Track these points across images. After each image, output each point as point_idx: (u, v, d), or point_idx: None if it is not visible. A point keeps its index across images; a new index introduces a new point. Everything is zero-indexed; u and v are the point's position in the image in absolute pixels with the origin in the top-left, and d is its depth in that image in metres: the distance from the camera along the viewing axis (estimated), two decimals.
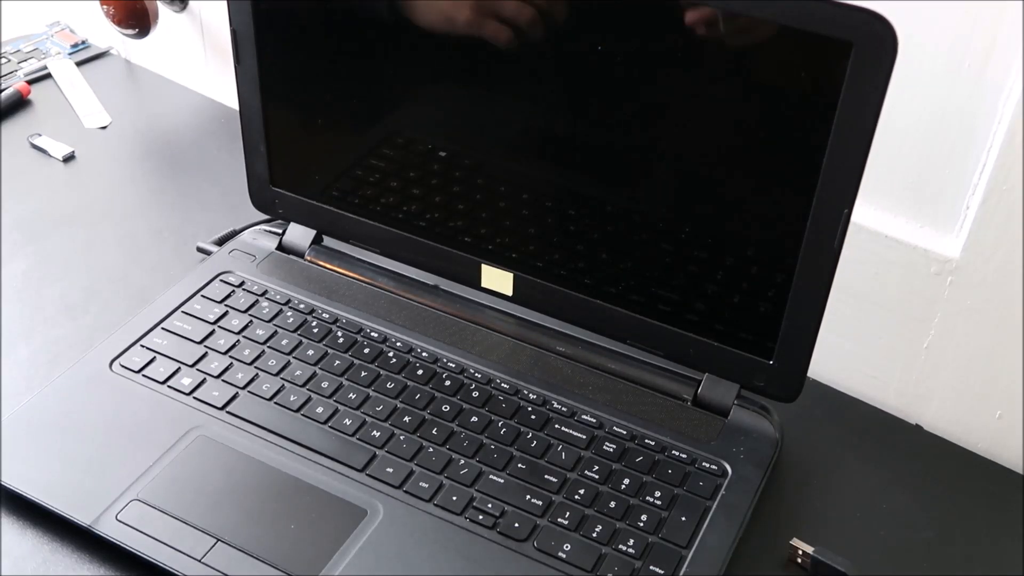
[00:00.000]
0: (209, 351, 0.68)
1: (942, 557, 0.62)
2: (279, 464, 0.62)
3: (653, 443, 0.64)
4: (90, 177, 0.89)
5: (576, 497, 0.61)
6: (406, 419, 0.64)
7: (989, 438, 0.70)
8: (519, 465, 0.62)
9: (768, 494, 0.63)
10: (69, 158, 0.90)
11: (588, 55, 0.61)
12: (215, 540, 0.57)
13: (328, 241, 0.78)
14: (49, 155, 0.91)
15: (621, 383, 0.68)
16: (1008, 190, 0.62)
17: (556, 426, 0.65)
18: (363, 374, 0.67)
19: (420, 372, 0.68)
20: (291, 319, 0.71)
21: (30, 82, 0.98)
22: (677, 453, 0.63)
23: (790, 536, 0.61)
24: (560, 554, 0.58)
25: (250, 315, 0.71)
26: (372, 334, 0.70)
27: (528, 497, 0.60)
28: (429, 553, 0.57)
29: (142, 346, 0.69)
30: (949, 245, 0.67)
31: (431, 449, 0.63)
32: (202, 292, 0.73)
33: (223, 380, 0.66)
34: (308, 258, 0.77)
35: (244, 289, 0.73)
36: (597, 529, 0.59)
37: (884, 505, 0.65)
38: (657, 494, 0.61)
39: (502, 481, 0.61)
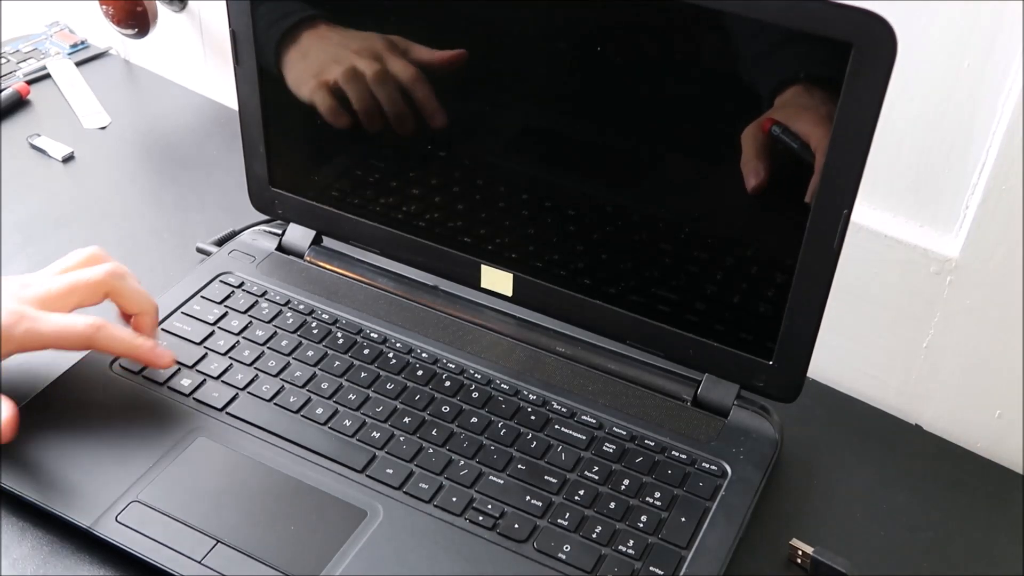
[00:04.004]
0: (209, 352, 0.68)
1: (942, 557, 0.62)
2: (279, 465, 0.62)
3: (653, 444, 0.64)
4: (89, 177, 0.89)
5: (576, 498, 0.61)
6: (406, 420, 0.64)
7: (989, 438, 0.70)
8: (519, 466, 0.62)
9: (768, 494, 0.63)
10: (68, 158, 0.90)
11: (587, 56, 0.61)
12: (215, 541, 0.57)
13: (328, 242, 0.78)
14: (48, 155, 0.90)
15: (621, 384, 0.68)
16: (1008, 190, 0.62)
17: (556, 427, 0.65)
18: (363, 375, 0.67)
19: (420, 373, 0.68)
20: (291, 320, 0.71)
21: (29, 82, 0.98)
22: (677, 454, 0.63)
23: (790, 536, 0.61)
24: (560, 555, 0.58)
25: (250, 316, 0.71)
26: (372, 335, 0.70)
27: (528, 498, 0.60)
28: (429, 554, 0.58)
29: None
30: (949, 245, 0.67)
31: (431, 450, 0.63)
32: (202, 293, 0.73)
33: (223, 381, 0.66)
34: (308, 259, 0.77)
35: (244, 290, 0.73)
36: (597, 530, 0.59)
37: (884, 505, 0.65)
38: (657, 495, 0.61)
39: (502, 482, 0.61)
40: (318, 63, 0.69)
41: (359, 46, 0.67)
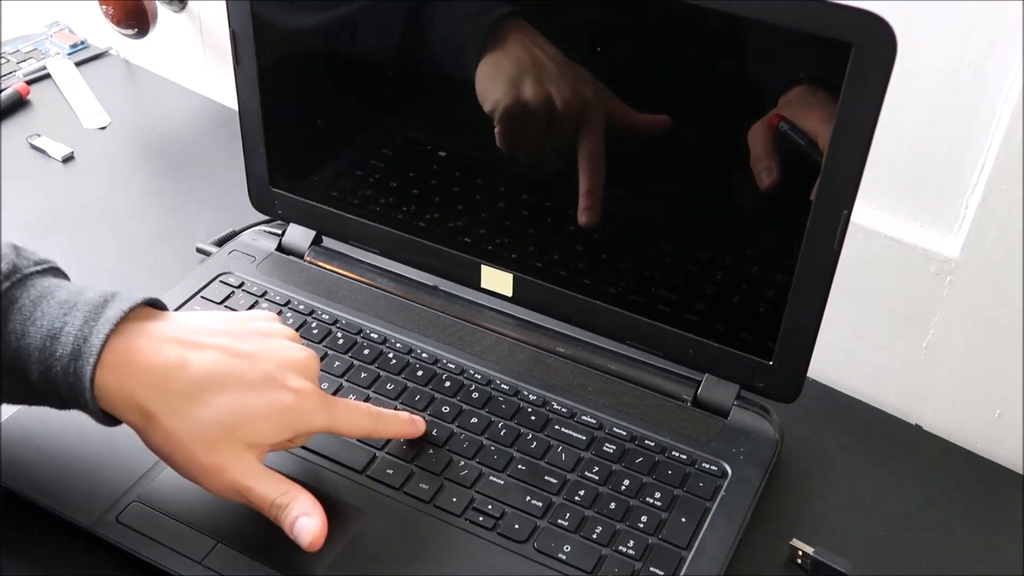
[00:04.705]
0: None
1: (942, 557, 0.62)
2: (278, 465, 0.61)
3: (653, 444, 0.64)
4: (89, 178, 0.89)
5: (576, 498, 0.61)
6: None
7: (989, 438, 0.70)
8: (519, 466, 0.62)
9: (768, 494, 0.63)
10: (68, 159, 0.90)
11: (587, 56, 0.61)
12: (215, 542, 0.57)
13: (328, 242, 0.78)
14: (48, 156, 0.90)
15: (621, 384, 0.68)
16: (1007, 190, 0.62)
17: (556, 427, 0.65)
18: (363, 375, 0.67)
19: (420, 373, 0.68)
20: (291, 320, 0.71)
21: (29, 82, 0.98)
22: (677, 454, 0.63)
23: (790, 536, 0.61)
24: (560, 555, 0.58)
25: None
26: (372, 335, 0.70)
27: (528, 498, 0.60)
28: (429, 554, 0.57)
29: None
30: (948, 245, 0.67)
31: (431, 450, 0.63)
32: (202, 293, 0.73)
33: None
34: (308, 259, 0.77)
35: (244, 290, 0.73)
36: (597, 530, 0.59)
37: (884, 505, 0.65)
38: (657, 495, 0.61)
39: (502, 482, 0.61)
40: (513, 68, 0.64)
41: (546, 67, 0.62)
